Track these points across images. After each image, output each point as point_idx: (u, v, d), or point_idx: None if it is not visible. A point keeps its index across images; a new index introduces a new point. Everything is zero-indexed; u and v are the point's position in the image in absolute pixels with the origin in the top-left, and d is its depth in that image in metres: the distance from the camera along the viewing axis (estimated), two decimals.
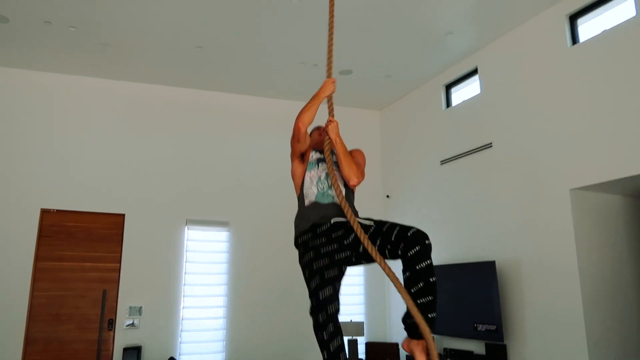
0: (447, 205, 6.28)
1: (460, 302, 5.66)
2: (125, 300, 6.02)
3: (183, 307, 6.24)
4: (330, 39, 2.82)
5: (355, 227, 2.18)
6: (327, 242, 2.38)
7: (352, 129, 7.79)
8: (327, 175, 2.56)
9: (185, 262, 6.35)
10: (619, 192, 4.98)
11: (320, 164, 2.67)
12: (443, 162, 6.39)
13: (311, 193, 2.55)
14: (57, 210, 6.01)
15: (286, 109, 7.07)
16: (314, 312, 2.15)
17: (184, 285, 6.28)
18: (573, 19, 4.97)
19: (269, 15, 5.11)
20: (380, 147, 7.83)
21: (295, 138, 2.58)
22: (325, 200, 2.52)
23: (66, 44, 5.59)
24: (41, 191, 5.97)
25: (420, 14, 5.14)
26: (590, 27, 4.86)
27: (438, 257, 6.28)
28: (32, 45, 5.62)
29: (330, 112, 2.71)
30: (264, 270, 6.63)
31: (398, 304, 6.92)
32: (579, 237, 4.67)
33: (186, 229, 6.43)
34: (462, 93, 6.40)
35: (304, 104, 2.68)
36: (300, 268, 2.43)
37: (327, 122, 2.64)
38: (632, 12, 4.43)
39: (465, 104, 6.22)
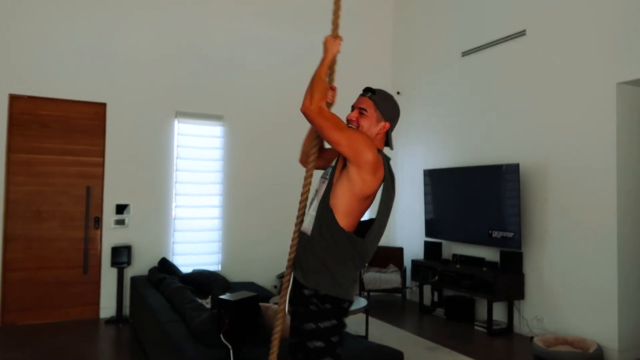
0: (467, 103, 5.67)
1: (474, 208, 5.26)
2: (111, 197, 5.54)
3: (175, 206, 5.80)
4: None
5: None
6: None
7: (363, 14, 6.98)
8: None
9: (176, 158, 5.81)
10: None
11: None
12: (465, 53, 5.67)
13: None
14: (29, 97, 5.31)
15: None
16: None
17: (176, 183, 5.79)
18: None
19: None
20: (393, 36, 7.08)
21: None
22: None
23: None
24: (9, 74, 5.20)
25: None
26: None
27: (449, 160, 5.81)
28: None
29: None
30: (260, 167, 6.16)
31: (401, 212, 6.55)
32: (621, 134, 4.15)
33: (176, 122, 5.81)
34: None
35: None
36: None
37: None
38: None
39: None
